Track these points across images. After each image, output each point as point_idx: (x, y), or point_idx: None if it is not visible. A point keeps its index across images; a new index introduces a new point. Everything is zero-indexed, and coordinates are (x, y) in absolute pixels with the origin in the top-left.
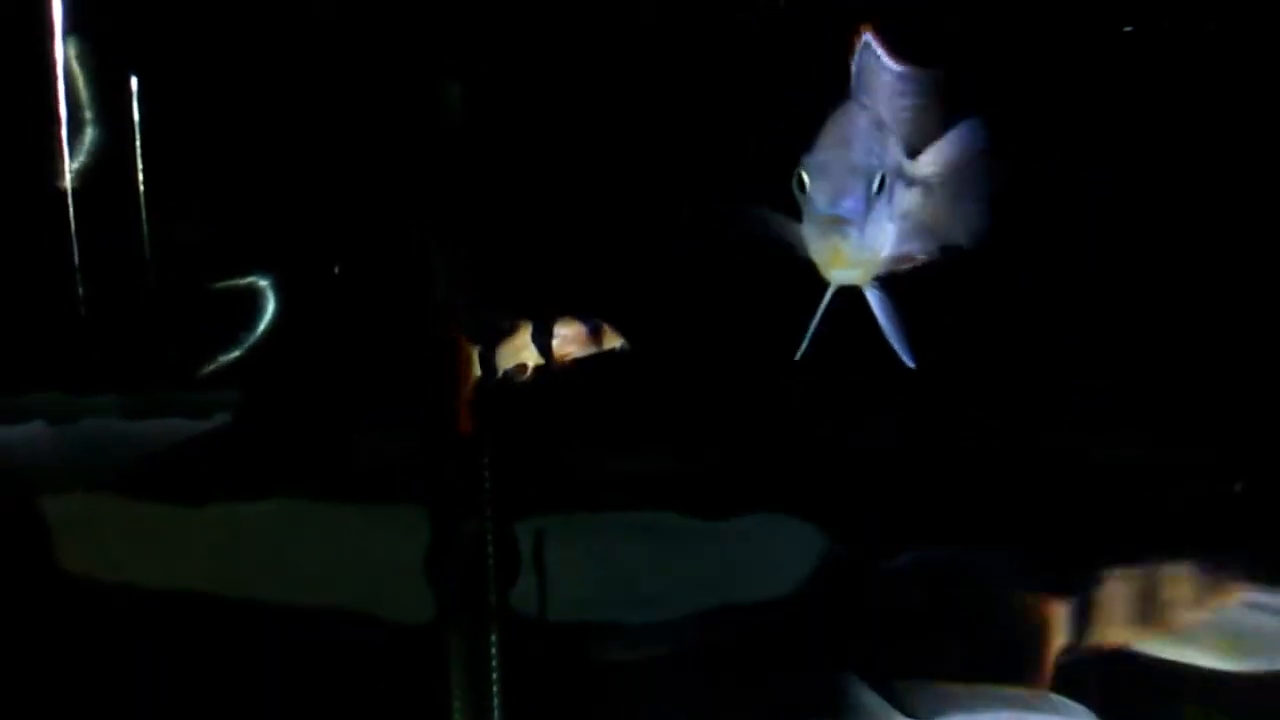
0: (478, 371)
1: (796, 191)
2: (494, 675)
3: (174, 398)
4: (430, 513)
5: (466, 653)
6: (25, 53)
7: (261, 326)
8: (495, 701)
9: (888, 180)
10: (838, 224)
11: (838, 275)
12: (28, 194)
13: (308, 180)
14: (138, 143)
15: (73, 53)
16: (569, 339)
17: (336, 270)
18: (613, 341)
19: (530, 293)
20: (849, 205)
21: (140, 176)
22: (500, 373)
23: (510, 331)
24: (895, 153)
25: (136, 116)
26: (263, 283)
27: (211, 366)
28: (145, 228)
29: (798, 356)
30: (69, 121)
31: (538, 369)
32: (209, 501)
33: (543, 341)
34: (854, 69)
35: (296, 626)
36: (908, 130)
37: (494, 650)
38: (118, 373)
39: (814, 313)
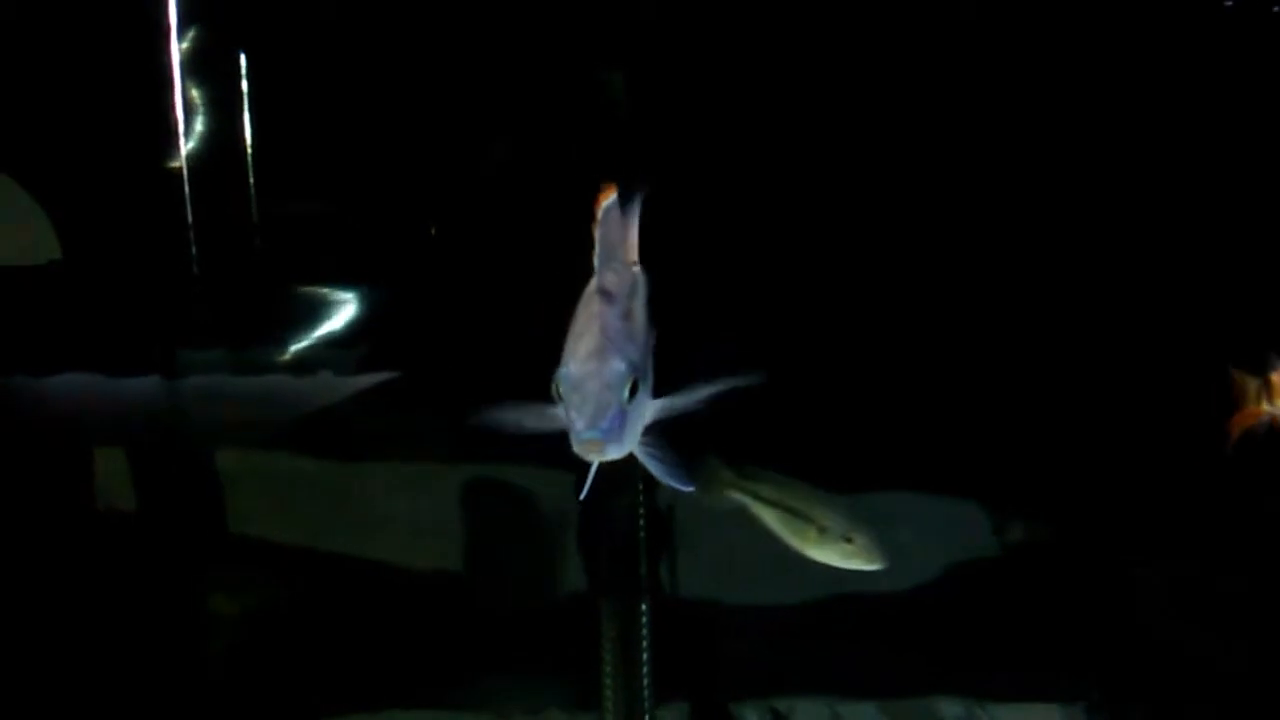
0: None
1: (555, 395)
2: (644, 644)
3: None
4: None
5: (618, 621)
6: (143, 35)
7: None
8: (645, 669)
9: (639, 382)
10: (596, 444)
11: None
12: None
13: None
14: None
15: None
16: None
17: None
18: None
19: None
20: (605, 425)
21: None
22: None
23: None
24: (639, 335)
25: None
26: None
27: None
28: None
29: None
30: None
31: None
32: (364, 459)
33: None
34: (599, 236)
35: (452, 589)
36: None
37: (644, 620)
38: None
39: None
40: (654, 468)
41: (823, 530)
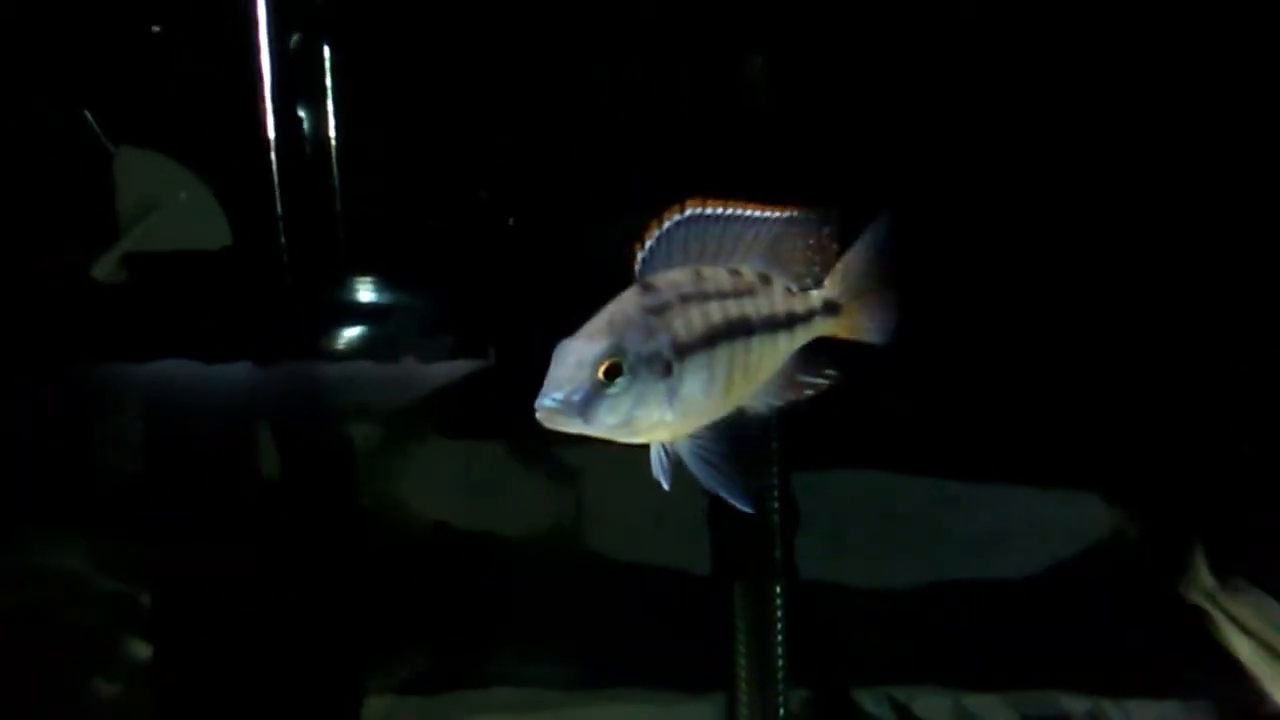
0: None
1: None
2: (778, 626)
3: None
4: None
5: (751, 603)
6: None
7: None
8: (780, 651)
9: (628, 365)
10: (547, 413)
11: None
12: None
13: None
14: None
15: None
16: None
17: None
18: None
19: None
20: (560, 397)
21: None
22: None
23: None
24: (662, 332)
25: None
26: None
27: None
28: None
29: None
30: None
31: None
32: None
33: None
34: (653, 246)
35: (588, 572)
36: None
37: (778, 601)
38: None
39: None
40: (702, 472)
41: None
